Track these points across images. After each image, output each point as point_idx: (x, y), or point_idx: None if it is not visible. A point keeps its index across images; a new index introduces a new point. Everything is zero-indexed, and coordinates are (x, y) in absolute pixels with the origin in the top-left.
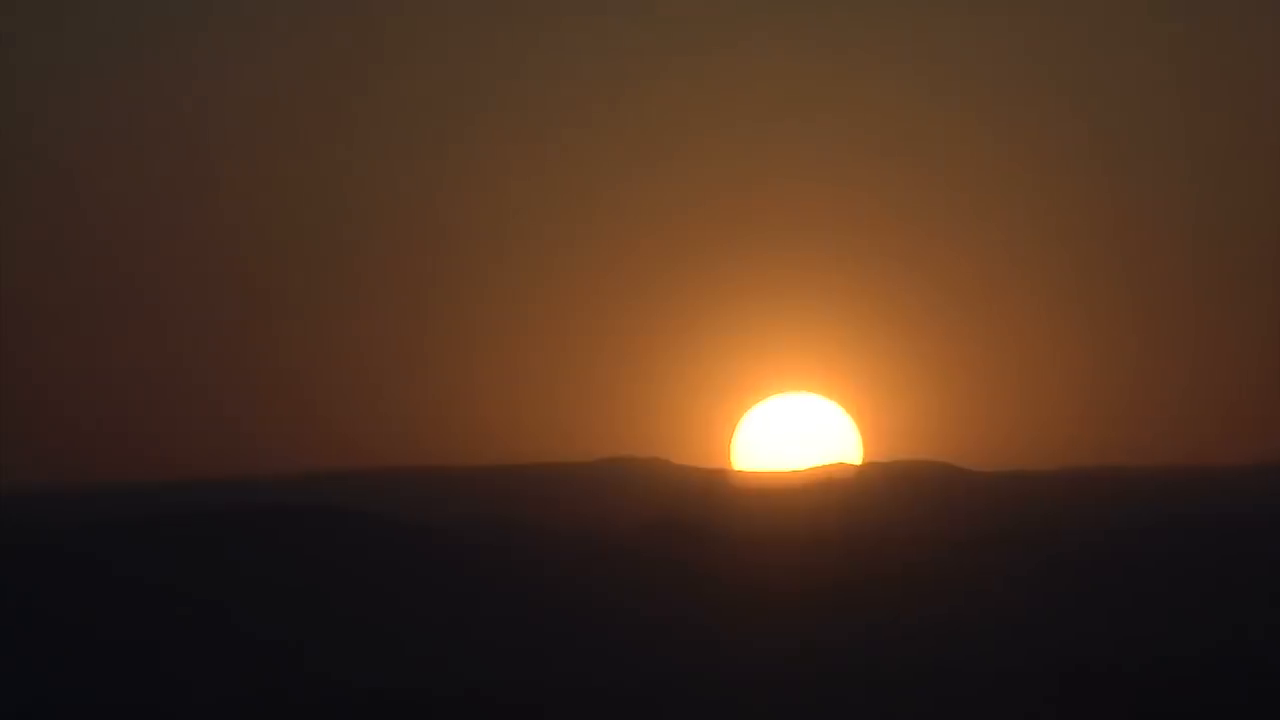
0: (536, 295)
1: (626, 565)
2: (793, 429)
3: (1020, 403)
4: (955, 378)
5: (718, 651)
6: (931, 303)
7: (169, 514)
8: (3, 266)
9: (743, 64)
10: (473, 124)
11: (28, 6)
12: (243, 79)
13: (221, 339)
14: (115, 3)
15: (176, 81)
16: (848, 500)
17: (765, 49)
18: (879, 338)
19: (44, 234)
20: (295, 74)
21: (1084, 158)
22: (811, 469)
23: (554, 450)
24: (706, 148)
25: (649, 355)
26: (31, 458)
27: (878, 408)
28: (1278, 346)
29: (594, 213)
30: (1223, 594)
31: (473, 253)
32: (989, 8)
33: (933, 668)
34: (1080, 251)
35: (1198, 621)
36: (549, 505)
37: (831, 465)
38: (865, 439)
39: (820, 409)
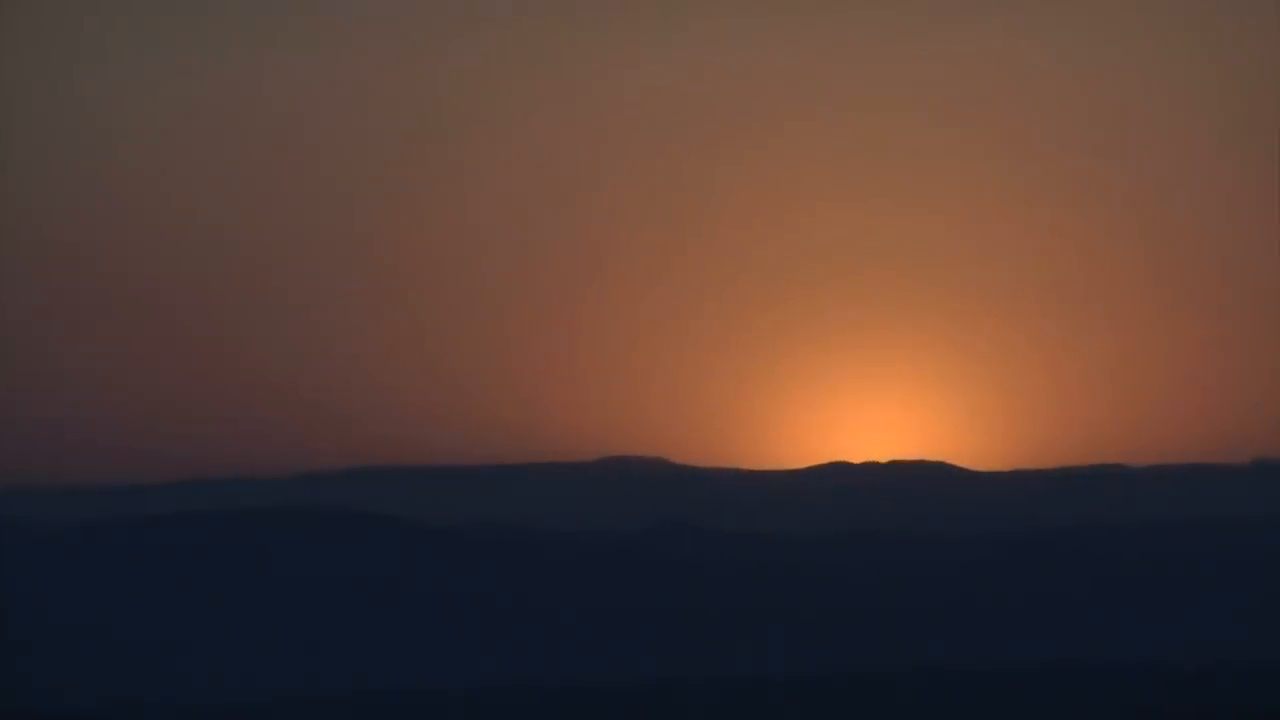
0: (533, 300)
1: (627, 565)
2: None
3: (1021, 403)
4: (956, 380)
5: (719, 649)
6: (933, 307)
7: (170, 513)
8: (4, 267)
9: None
10: (482, 124)
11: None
12: (246, 81)
13: (223, 340)
14: (125, 4)
15: (178, 82)
16: (849, 499)
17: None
18: (879, 338)
19: (46, 235)
20: (298, 76)
21: (1082, 165)
22: (813, 468)
23: (555, 450)
24: (711, 159)
25: (648, 355)
26: (32, 458)
27: (877, 409)
28: (1278, 346)
29: (597, 216)
30: (1222, 591)
31: (477, 255)
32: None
33: (929, 664)
34: (1081, 257)
35: (1198, 619)
36: (549, 505)
37: (832, 465)
38: (866, 439)
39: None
